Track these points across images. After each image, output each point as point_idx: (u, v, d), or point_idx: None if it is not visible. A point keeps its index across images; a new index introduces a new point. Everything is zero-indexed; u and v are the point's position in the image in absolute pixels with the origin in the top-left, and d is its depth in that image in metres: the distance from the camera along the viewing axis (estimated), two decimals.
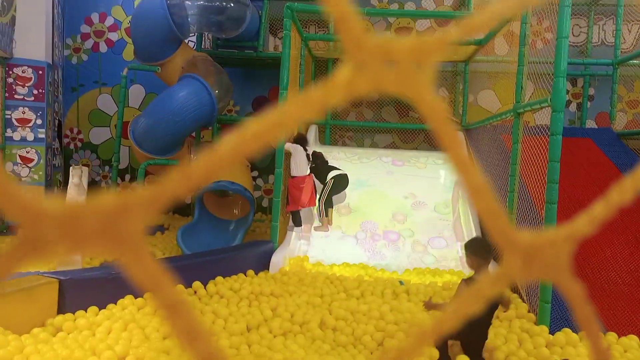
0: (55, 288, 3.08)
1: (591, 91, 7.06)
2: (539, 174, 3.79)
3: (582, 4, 6.79)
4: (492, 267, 2.57)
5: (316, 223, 5.28)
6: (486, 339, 2.66)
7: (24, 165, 6.08)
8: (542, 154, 3.87)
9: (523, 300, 3.67)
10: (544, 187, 3.34)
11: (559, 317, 3.24)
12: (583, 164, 5.23)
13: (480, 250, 2.44)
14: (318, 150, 5.64)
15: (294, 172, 5.05)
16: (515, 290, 3.91)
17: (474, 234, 5.00)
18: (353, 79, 0.24)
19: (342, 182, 5.32)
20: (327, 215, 5.18)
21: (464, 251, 2.64)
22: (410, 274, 4.43)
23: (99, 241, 0.22)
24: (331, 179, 5.25)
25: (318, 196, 5.23)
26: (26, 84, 6.08)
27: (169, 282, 0.24)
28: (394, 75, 0.24)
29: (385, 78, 0.25)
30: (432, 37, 0.25)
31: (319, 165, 5.34)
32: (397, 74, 0.25)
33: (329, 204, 5.19)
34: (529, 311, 3.38)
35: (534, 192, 4.06)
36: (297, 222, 5.13)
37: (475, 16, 0.26)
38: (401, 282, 4.02)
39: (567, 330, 3.11)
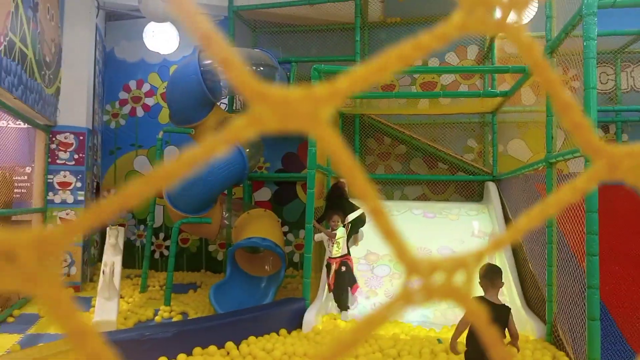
0: None
1: (624, 137, 6.94)
2: (577, 224, 3.69)
3: (607, 52, 6.81)
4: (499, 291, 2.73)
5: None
6: None
7: None
8: (579, 203, 3.78)
9: (570, 359, 3.48)
10: (583, 238, 3.24)
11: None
12: (621, 212, 5.06)
13: (489, 273, 2.64)
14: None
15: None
16: (561, 347, 3.72)
17: (513, 286, 4.84)
18: (254, 120, 0.28)
19: (359, 223, 5.37)
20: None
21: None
22: (449, 332, 4.27)
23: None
24: (348, 224, 5.30)
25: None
26: (68, 149, 6.39)
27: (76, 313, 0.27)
28: (295, 118, 0.29)
29: (288, 121, 0.29)
30: (322, 87, 0.29)
31: (335, 200, 5.43)
32: (297, 117, 0.28)
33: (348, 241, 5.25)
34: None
35: (573, 242, 3.94)
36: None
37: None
38: (439, 340, 3.87)
39: None
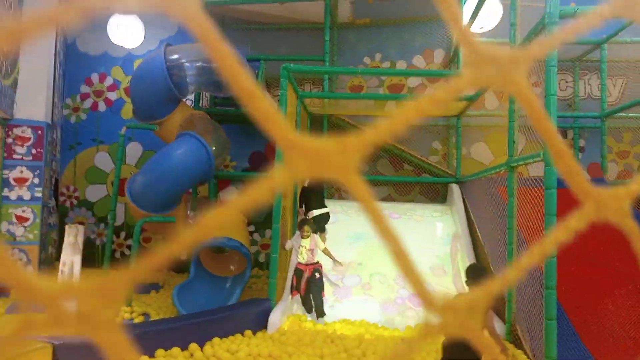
0: (49, 353, 2.99)
1: (582, 142, 7.21)
2: (537, 226, 3.81)
3: (567, 60, 7.05)
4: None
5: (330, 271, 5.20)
6: None
7: (19, 225, 6.04)
8: (538, 205, 3.90)
9: (528, 357, 3.59)
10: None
11: None
12: None
13: (472, 273, 2.87)
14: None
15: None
16: (519, 346, 3.83)
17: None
18: (289, 173, 0.30)
19: (322, 220, 5.55)
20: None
21: (475, 277, 2.90)
22: (413, 332, 4.33)
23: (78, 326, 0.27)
24: (311, 219, 5.45)
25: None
26: (25, 144, 6.15)
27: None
28: (329, 168, 0.30)
29: (320, 169, 0.30)
30: (352, 139, 0.31)
31: (307, 196, 5.65)
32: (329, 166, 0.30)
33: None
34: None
35: (532, 245, 4.06)
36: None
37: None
38: (403, 340, 3.92)
39: None
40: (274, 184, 0.29)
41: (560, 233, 0.34)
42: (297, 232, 4.96)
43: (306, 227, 4.84)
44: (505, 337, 4.04)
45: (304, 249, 4.75)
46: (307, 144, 0.29)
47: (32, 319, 0.27)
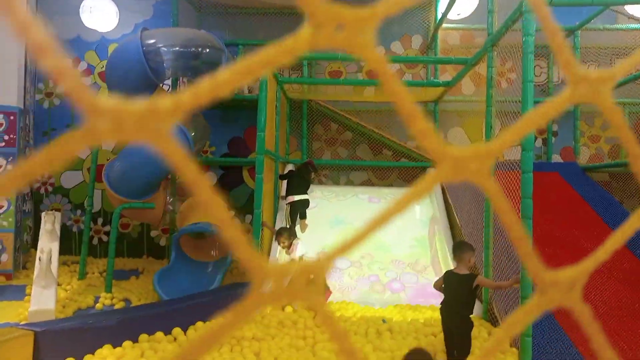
0: (30, 340, 2.97)
1: (555, 127, 7.39)
2: (513, 209, 3.92)
3: (541, 46, 7.18)
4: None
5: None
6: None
7: None
8: (514, 189, 4.01)
9: None
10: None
11: (540, 351, 3.29)
12: (552, 197, 5.42)
13: (456, 250, 3.35)
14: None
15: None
16: (496, 324, 3.96)
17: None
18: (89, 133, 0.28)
19: (299, 207, 5.61)
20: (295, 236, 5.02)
21: (457, 253, 3.32)
22: (392, 311, 4.44)
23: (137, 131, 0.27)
24: (288, 204, 5.58)
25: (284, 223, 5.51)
26: None
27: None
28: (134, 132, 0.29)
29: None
30: (167, 101, 0.29)
31: (291, 179, 5.78)
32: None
33: (293, 225, 5.48)
34: (511, 345, 3.43)
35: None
36: None
37: None
38: (384, 321, 4.02)
39: None
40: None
41: (411, 196, 0.34)
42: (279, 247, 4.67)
43: (282, 239, 4.60)
44: (482, 315, 4.18)
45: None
46: (110, 105, 0.27)
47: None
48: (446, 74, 7.17)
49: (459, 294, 3.16)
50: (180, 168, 0.29)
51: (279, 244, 4.73)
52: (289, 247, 4.57)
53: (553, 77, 7.40)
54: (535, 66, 7.37)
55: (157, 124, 0.28)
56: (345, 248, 0.32)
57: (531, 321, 0.35)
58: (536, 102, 5.66)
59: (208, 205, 0.29)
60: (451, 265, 5.13)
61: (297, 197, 5.64)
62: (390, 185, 7.31)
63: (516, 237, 0.36)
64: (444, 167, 0.33)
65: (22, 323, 3.34)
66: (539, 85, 7.34)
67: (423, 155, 7.13)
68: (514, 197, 3.95)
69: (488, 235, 4.31)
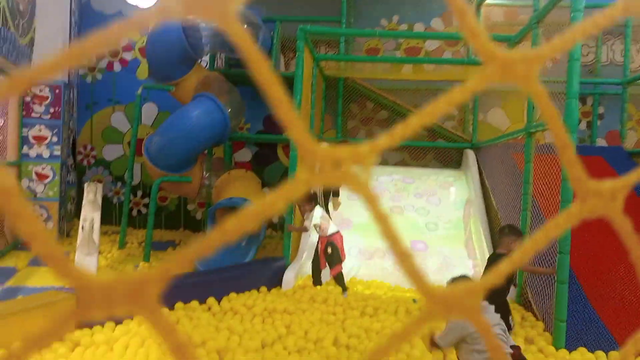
0: (73, 303, 3.11)
1: (601, 109, 7.09)
2: (552, 192, 3.81)
3: None
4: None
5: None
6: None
7: (39, 182, 6.17)
8: (554, 172, 3.90)
9: (537, 319, 3.66)
10: (557, 206, 3.35)
11: (574, 337, 3.23)
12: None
13: (506, 230, 3.14)
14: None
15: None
16: (529, 308, 3.90)
17: (486, 251, 5.00)
18: (310, 178, 0.30)
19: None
20: (328, 212, 5.16)
21: (499, 236, 3.22)
22: (401, 290, 4.42)
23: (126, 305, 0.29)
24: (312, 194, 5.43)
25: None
26: (43, 103, 6.20)
27: (179, 335, 0.30)
28: (340, 175, 0.30)
29: (333, 177, 0.30)
30: (365, 146, 0.30)
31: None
32: (342, 174, 0.30)
33: (327, 202, 5.47)
34: (544, 330, 3.37)
35: (546, 210, 4.08)
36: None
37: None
38: (414, 301, 4.02)
39: (583, 349, 3.10)
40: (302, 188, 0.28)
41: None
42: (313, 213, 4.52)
43: (304, 203, 4.49)
44: (516, 299, 4.12)
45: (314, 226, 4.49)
46: None
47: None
48: None
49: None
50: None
51: (299, 208, 4.62)
52: (309, 212, 4.47)
53: (601, 57, 7.07)
54: (582, 45, 7.07)
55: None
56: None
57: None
58: (582, 83, 5.44)
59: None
60: (485, 248, 5.07)
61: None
62: (425, 166, 7.22)
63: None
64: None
65: (65, 287, 3.50)
66: (585, 64, 7.03)
67: (460, 136, 6.99)
68: (554, 181, 3.84)
69: (525, 219, 4.21)
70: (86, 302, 0.28)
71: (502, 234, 3.15)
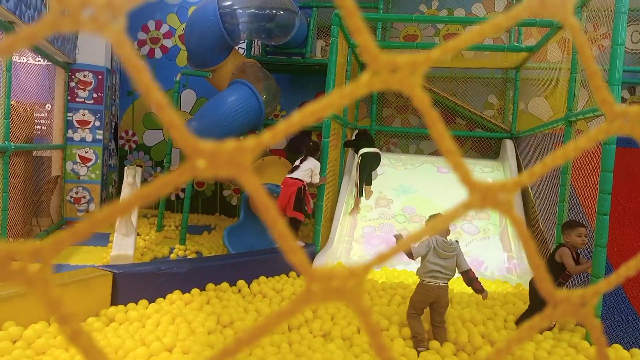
0: (109, 281, 3.25)
1: None
2: (592, 184, 3.67)
3: (638, 10, 6.51)
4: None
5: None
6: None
7: (82, 165, 6.42)
8: (595, 163, 3.75)
9: None
10: (596, 197, 3.23)
11: (608, 333, 3.12)
12: (639, 175, 5.00)
13: (567, 224, 3.26)
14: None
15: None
16: None
17: (520, 244, 4.87)
18: (370, 81, 0.32)
19: (370, 161, 5.52)
20: (360, 195, 5.45)
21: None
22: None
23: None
24: (359, 156, 5.54)
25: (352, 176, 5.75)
26: (87, 88, 6.43)
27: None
28: (397, 79, 0.32)
29: (391, 81, 0.32)
30: (422, 54, 0.32)
31: (359, 141, 5.72)
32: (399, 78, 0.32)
33: (361, 183, 5.46)
34: (577, 324, 3.28)
35: (585, 202, 3.93)
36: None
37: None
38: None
39: (617, 346, 2.99)
40: (362, 89, 0.30)
41: (583, 143, 0.35)
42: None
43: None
44: None
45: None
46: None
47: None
48: (531, 39, 6.72)
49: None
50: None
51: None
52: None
53: None
54: (632, 32, 6.72)
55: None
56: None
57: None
58: (628, 71, 5.20)
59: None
60: (520, 241, 4.94)
61: (368, 150, 5.57)
62: (462, 156, 7.06)
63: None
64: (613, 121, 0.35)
65: (102, 265, 3.65)
66: (635, 52, 6.69)
67: (500, 125, 6.81)
68: (594, 172, 3.69)
69: (562, 211, 4.08)
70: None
71: (563, 227, 3.33)
